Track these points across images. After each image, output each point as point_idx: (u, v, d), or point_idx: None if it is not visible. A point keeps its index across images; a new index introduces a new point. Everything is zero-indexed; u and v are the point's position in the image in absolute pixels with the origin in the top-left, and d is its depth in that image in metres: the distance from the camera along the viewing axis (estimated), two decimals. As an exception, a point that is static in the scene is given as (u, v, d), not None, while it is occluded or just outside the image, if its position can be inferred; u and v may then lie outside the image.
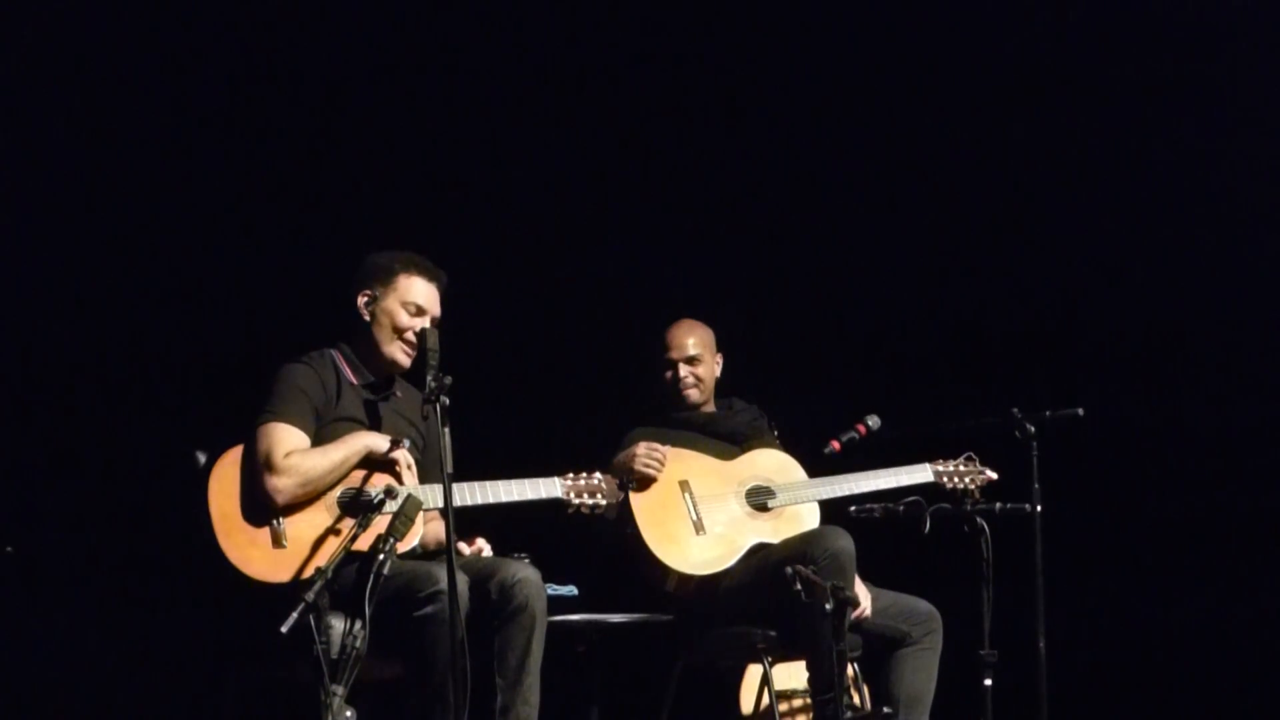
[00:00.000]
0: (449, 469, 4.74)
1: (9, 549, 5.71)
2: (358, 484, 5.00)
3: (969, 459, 5.91)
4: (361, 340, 5.26)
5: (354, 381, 5.22)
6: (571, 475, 5.26)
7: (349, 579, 4.74)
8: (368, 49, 6.80)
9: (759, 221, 7.23)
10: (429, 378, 4.79)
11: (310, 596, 4.63)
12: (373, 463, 5.03)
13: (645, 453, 5.76)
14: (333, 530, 4.91)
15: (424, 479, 5.10)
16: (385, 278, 5.24)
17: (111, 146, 6.38)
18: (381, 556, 4.70)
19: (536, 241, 7.00)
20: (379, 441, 5.04)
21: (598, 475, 5.29)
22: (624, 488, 5.56)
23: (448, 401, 4.76)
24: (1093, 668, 6.99)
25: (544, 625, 4.99)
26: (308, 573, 4.79)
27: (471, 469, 4.95)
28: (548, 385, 6.95)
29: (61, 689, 6.27)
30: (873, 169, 7.20)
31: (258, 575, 4.84)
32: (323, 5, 6.67)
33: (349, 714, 4.60)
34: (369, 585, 4.66)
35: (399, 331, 5.22)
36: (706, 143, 7.17)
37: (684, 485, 5.81)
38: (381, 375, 5.25)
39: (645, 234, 7.06)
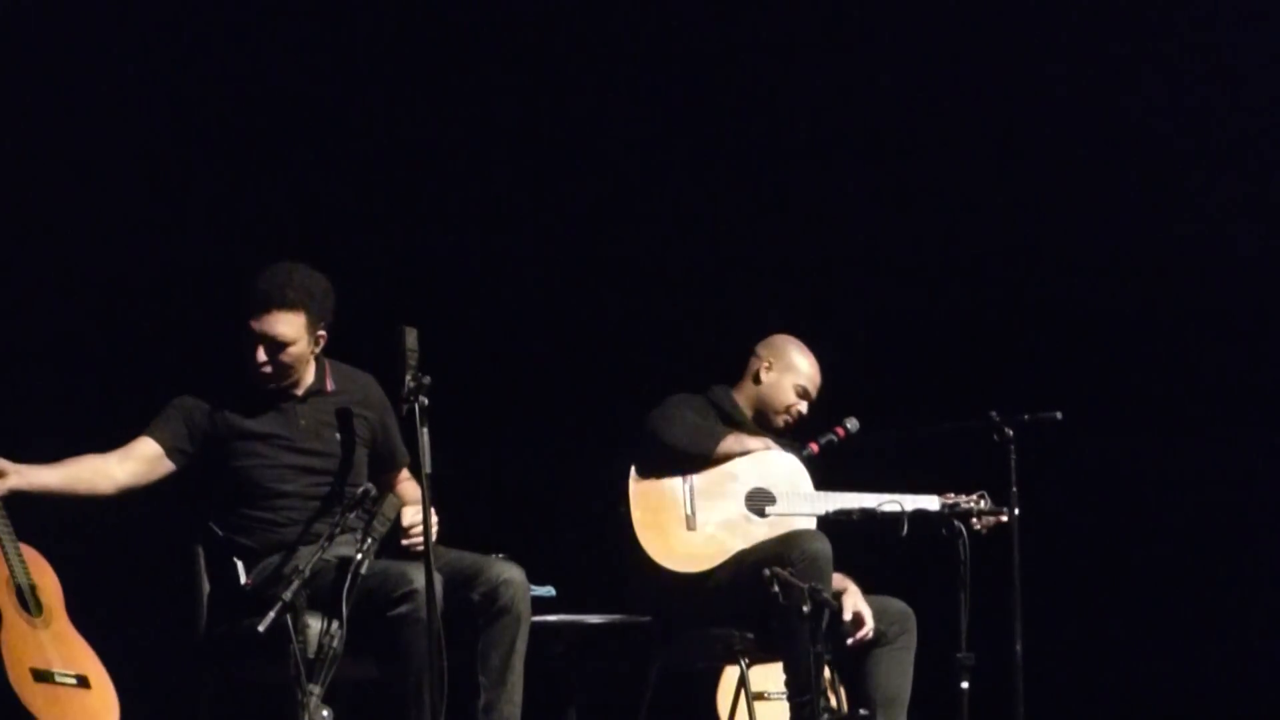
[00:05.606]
0: (427, 469, 4.75)
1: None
2: None
3: (981, 496, 5.77)
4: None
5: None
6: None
7: (326, 579, 4.74)
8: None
9: (745, 222, 7.25)
10: (407, 378, 4.79)
11: (287, 596, 4.63)
12: None
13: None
14: None
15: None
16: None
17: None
18: (360, 556, 4.70)
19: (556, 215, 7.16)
20: None
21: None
22: None
23: (426, 401, 4.76)
24: (1070, 671, 7.00)
25: (528, 625, 5.00)
26: None
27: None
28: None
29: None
30: (855, 173, 7.21)
31: None
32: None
33: (325, 714, 4.59)
34: (346, 585, 4.66)
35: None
36: (694, 135, 7.20)
37: (685, 475, 5.78)
38: None
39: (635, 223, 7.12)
